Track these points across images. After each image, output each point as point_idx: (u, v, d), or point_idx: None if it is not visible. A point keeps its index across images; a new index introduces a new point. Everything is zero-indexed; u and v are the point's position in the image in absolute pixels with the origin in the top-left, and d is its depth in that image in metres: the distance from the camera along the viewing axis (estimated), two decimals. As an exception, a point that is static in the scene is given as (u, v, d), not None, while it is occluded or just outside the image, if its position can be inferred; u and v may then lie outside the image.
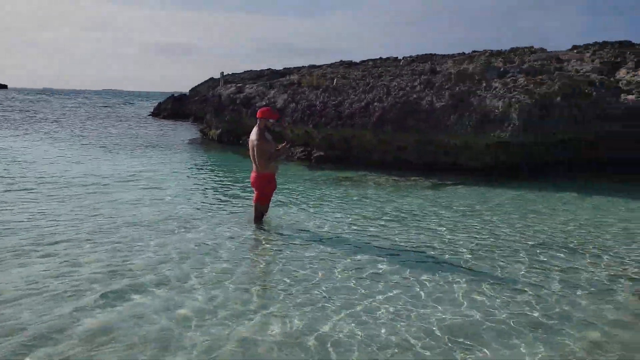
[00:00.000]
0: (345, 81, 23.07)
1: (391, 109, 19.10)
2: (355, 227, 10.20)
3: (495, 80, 18.76)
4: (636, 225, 11.14)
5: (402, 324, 5.67)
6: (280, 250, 8.46)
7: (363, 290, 6.59)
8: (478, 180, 16.57)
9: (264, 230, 9.75)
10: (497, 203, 13.33)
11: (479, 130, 17.46)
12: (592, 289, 6.98)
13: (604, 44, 22.38)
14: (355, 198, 13.56)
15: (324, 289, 6.63)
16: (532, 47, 23.96)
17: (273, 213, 10.83)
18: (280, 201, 12.32)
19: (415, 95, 19.25)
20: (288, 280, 6.91)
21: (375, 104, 19.69)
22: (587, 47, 22.50)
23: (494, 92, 18.00)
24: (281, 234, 9.50)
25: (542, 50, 23.54)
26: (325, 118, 20.47)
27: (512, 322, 5.76)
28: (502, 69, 19.43)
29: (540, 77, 18.13)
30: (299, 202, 12.72)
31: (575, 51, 22.52)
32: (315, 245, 8.76)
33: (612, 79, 18.07)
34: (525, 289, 6.85)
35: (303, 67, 37.53)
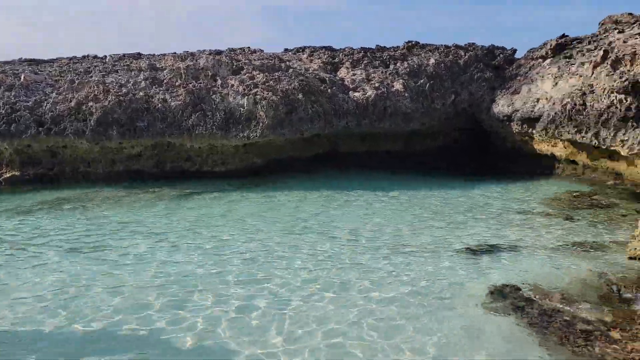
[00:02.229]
0: (37, 77, 17.48)
1: (114, 108, 15.11)
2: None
3: (231, 77, 16.92)
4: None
5: None
6: None
7: None
8: (231, 185, 14.48)
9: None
10: (246, 213, 11.51)
11: (225, 131, 15.32)
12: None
13: (311, 48, 23.23)
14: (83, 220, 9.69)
15: None
16: (249, 47, 23.15)
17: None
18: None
19: (142, 93, 15.74)
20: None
21: (91, 103, 15.30)
22: (300, 49, 22.93)
23: (234, 89, 16.13)
24: None
25: (261, 50, 22.97)
26: (17, 124, 14.87)
27: None
28: (235, 66, 17.73)
29: (277, 74, 17.18)
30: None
31: (290, 53, 22.69)
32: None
33: (337, 77, 18.55)
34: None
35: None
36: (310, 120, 16.09)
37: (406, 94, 17.53)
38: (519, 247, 8.75)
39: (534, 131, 16.35)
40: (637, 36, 13.50)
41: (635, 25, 16.35)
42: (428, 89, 17.93)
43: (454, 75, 18.97)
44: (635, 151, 10.41)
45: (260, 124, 15.28)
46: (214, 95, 15.73)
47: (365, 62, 19.62)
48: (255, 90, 16.02)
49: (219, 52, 21.42)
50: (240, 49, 22.54)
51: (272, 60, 19.12)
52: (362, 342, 5.47)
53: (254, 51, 22.08)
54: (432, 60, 19.13)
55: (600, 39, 16.26)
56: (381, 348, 5.34)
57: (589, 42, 16.68)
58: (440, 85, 18.39)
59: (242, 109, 15.51)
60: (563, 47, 17.96)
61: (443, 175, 17.00)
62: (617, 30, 16.67)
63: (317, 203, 12.68)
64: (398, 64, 19.23)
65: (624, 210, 11.32)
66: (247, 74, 16.99)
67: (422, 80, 18.11)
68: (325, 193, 13.79)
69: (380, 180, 16.00)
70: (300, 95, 16.14)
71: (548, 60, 17.62)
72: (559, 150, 15.88)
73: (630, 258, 7.29)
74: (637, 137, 10.33)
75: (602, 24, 18.90)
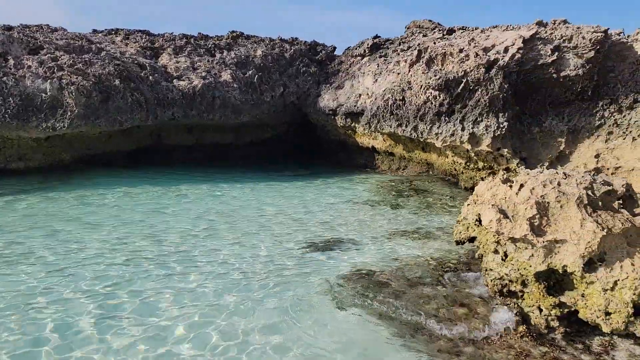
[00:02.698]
0: None
1: None
2: None
3: (28, 57, 14.24)
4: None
5: None
6: None
7: None
8: (31, 185, 12.18)
9: None
10: (51, 216, 9.86)
11: (22, 120, 12.81)
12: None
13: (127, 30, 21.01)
14: None
15: None
16: (47, 24, 19.90)
17: None
18: None
19: None
20: None
21: None
22: (112, 31, 20.54)
23: (32, 71, 13.59)
24: None
25: (63, 29, 19.94)
26: None
27: None
28: (32, 44, 14.95)
29: (86, 56, 14.97)
30: None
31: (101, 34, 20.17)
32: None
33: (158, 64, 16.99)
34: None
35: None
36: (130, 110, 14.39)
37: (235, 85, 16.89)
38: (352, 238, 8.88)
39: (357, 125, 17.20)
40: (440, 39, 15.04)
41: (435, 30, 18.31)
42: (257, 81, 17.55)
43: (282, 68, 18.94)
44: (448, 143, 11.50)
45: (69, 113, 13.13)
46: (4, 78, 13.02)
47: (189, 49, 18.39)
48: (61, 73, 13.72)
49: (9, 28, 17.97)
50: (37, 25, 19.26)
51: (79, 40, 16.65)
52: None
53: (55, 29, 19.05)
54: (259, 52, 18.79)
55: (409, 40, 17.81)
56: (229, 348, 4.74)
57: (399, 43, 18.13)
58: (269, 78, 18.18)
59: (44, 95, 13.13)
60: (378, 47, 19.24)
61: (272, 169, 16.87)
62: (421, 34, 18.48)
63: (139, 202, 11.35)
64: (225, 53, 18.45)
65: (438, 195, 12.50)
66: (49, 55, 14.47)
67: (250, 72, 17.65)
68: (149, 191, 12.45)
69: (208, 175, 15.14)
70: (117, 82, 14.32)
71: (366, 58, 18.69)
72: (379, 143, 16.96)
73: (457, 243, 7.80)
74: (449, 131, 11.42)
75: (408, 27, 20.82)
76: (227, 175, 15.23)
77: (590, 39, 10.27)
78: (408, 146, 15.09)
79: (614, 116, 10.81)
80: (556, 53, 10.77)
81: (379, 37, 19.92)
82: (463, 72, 11.24)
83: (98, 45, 16.34)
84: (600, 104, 10.96)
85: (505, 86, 10.97)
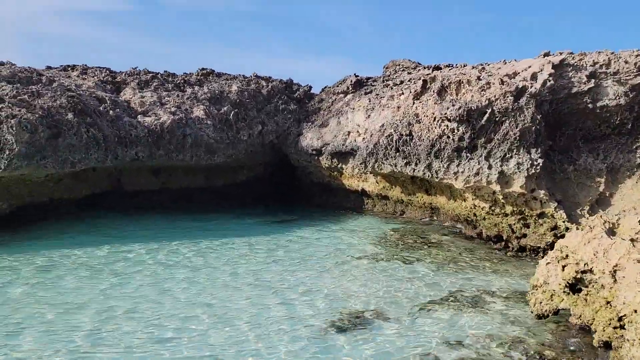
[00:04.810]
0: None
1: None
2: None
3: (-40, 86, 11.58)
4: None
5: None
6: None
7: None
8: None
9: None
10: None
11: (-55, 160, 10.04)
12: None
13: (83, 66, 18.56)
14: None
15: None
16: (-7, 57, 17.22)
17: None
18: None
19: None
20: None
21: None
22: (68, 67, 18.02)
23: (-37, 101, 10.92)
24: None
25: (11, 63, 17.29)
26: None
27: None
28: (-34, 72, 12.30)
29: (33, 87, 12.42)
30: None
31: (55, 70, 17.62)
32: None
33: (120, 99, 14.55)
34: None
35: None
36: (85, 149, 11.82)
37: (209, 122, 14.63)
38: (380, 312, 6.61)
39: (344, 166, 15.20)
40: (434, 71, 13.44)
41: (418, 68, 16.87)
42: (233, 117, 15.36)
43: (259, 104, 16.87)
44: (471, 184, 9.60)
45: (7, 152, 10.46)
46: None
47: (155, 83, 16.10)
48: (0, 105, 11.10)
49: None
50: (-21, 57, 16.53)
51: (27, 73, 14.07)
52: None
53: (2, 63, 16.41)
54: (234, 87, 16.71)
55: (394, 77, 16.21)
56: None
57: (384, 80, 16.54)
58: (246, 114, 16.03)
59: (-25, 130, 10.44)
60: (362, 84, 17.60)
61: (248, 215, 14.46)
62: (405, 72, 17.00)
63: (88, 263, 8.74)
64: (196, 88, 16.26)
65: (455, 247, 10.44)
66: (-12, 84, 11.84)
67: (225, 108, 15.47)
68: (102, 249, 9.85)
69: (178, 226, 12.59)
70: (70, 116, 11.79)
71: (350, 95, 16.96)
72: (370, 185, 14.97)
73: (539, 317, 5.67)
74: (472, 169, 9.54)
75: (387, 67, 19.39)
76: (200, 225, 12.72)
77: (635, 63, 8.78)
78: (408, 188, 13.14)
79: (657, 152, 9.25)
80: (592, 80, 9.22)
81: (358, 76, 18.35)
82: (487, 102, 9.48)
83: (49, 77, 13.79)
84: (640, 138, 9.40)
85: (538, 117, 9.26)
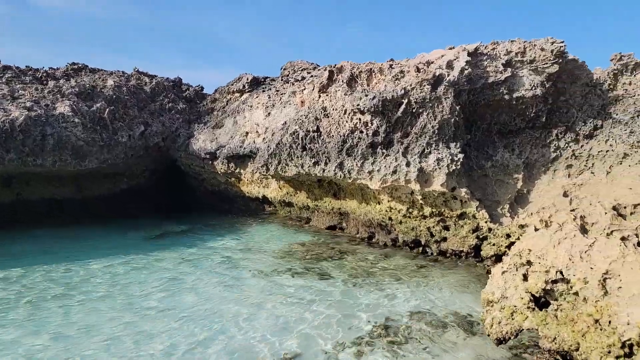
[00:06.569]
0: None
1: None
2: None
3: None
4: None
5: None
6: None
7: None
8: None
9: None
10: None
11: None
12: None
13: None
14: None
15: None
16: None
17: None
18: None
19: None
20: None
21: None
22: None
23: None
24: None
25: None
26: None
27: None
28: None
29: None
30: None
31: None
32: None
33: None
34: None
35: None
36: None
37: (77, 120, 12.02)
38: (295, 350, 5.06)
39: (243, 170, 13.43)
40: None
41: (318, 68, 15.75)
42: (108, 116, 12.85)
43: (141, 102, 14.48)
44: (388, 183, 8.41)
45: None
46: None
47: (8, 75, 13.11)
48: None
49: None
50: None
51: None
52: None
53: None
54: (110, 82, 14.16)
55: (294, 76, 14.88)
56: None
57: (282, 78, 15.16)
58: (125, 113, 13.58)
59: None
60: (259, 83, 16.05)
61: (132, 230, 12.09)
62: (305, 71, 15.77)
63: None
64: (62, 82, 13.49)
65: (362, 255, 9.19)
66: None
67: (98, 104, 12.91)
68: None
69: (39, 246, 9.96)
70: None
71: (247, 94, 15.29)
72: (272, 192, 13.35)
73: (499, 341, 4.45)
74: (389, 167, 8.36)
75: (285, 68, 18.09)
76: (70, 246, 10.18)
77: (552, 50, 8.21)
78: (315, 193, 11.73)
79: (570, 146, 8.79)
80: (509, 69, 8.53)
81: (256, 76, 16.80)
82: (403, 91, 8.38)
83: None
84: (554, 132, 8.90)
85: (457, 108, 8.34)
